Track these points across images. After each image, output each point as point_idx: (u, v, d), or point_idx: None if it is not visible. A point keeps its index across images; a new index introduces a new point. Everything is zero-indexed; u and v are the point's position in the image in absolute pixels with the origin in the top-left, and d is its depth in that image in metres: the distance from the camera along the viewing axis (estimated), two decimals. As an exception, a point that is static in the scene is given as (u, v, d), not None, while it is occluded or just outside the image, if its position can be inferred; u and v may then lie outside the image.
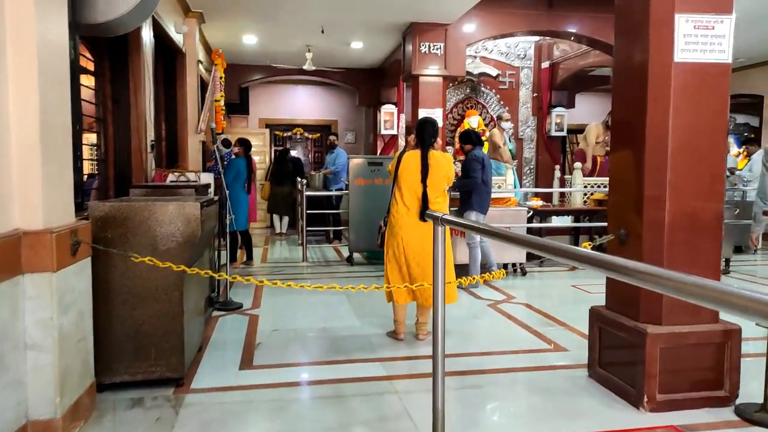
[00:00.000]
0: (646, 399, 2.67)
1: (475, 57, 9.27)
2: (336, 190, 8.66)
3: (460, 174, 5.59)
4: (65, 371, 2.43)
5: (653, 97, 2.67)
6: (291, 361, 3.54)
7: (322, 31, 7.40)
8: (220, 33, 7.78)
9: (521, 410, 2.86)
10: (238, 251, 7.18)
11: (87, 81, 4.26)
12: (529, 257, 6.65)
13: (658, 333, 2.66)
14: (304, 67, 8.70)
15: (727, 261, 6.56)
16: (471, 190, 5.26)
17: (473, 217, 5.24)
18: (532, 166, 10.11)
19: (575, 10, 7.47)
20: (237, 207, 6.38)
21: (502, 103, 9.79)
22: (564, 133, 10.11)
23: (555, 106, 9.94)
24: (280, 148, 11.20)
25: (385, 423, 2.66)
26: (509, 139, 8.45)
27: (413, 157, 3.83)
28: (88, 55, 4.22)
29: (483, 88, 9.72)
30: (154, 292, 2.97)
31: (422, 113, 7.17)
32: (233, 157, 7.38)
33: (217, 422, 2.65)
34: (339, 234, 8.79)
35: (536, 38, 9.59)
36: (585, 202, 7.48)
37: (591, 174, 7.74)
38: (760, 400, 2.66)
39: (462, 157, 8.89)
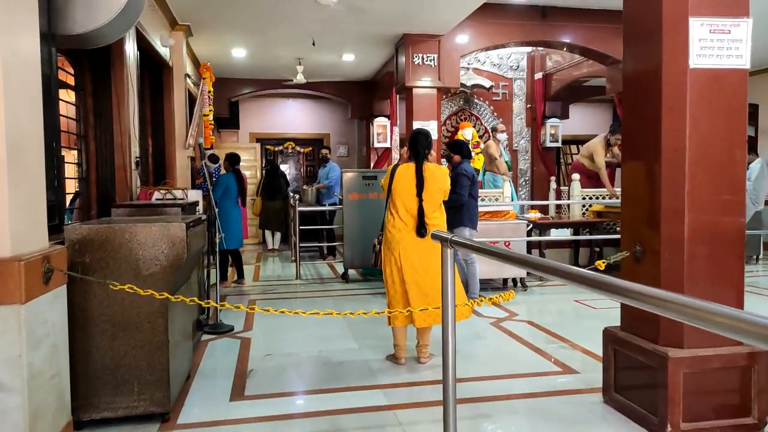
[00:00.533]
0: (669, 428, 2.48)
1: (468, 68, 9.16)
2: (329, 204, 8.47)
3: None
4: (37, 412, 2.20)
5: (668, 106, 2.51)
6: (285, 389, 3.32)
7: (313, 44, 7.26)
8: (209, 46, 7.62)
9: (534, 442, 2.66)
10: (229, 269, 6.96)
11: (67, 96, 4.07)
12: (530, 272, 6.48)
13: (680, 357, 2.48)
14: (295, 80, 8.54)
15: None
16: (461, 206, 5.06)
17: (466, 233, 5.05)
18: (527, 178, 9.98)
19: (569, 20, 7.39)
20: (228, 224, 6.20)
21: (495, 114, 9.68)
22: (559, 144, 10.00)
23: (549, 117, 9.83)
24: (271, 162, 11.01)
25: (389, 460, 2.46)
26: (505, 151, 8.32)
27: (407, 170, 3.66)
28: (69, 68, 4.03)
29: (476, 100, 9.61)
30: (136, 320, 2.75)
31: (416, 125, 7.02)
32: (221, 172, 7.19)
33: (205, 463, 2.43)
34: (333, 250, 8.58)
35: (529, 49, 9.51)
36: (584, 213, 7.34)
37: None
38: (790, 426, 2.48)
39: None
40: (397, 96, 8.14)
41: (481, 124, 9.63)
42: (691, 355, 2.50)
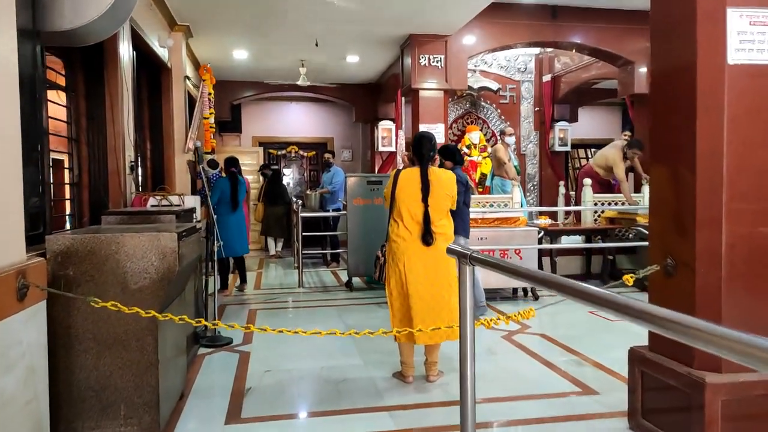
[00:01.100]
0: (706, 460, 2.25)
1: (475, 71, 8.95)
2: (333, 210, 8.26)
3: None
4: (9, 443, 1.99)
5: (704, 106, 2.29)
6: (285, 411, 3.10)
7: (317, 45, 7.06)
8: (210, 48, 7.43)
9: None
10: (230, 276, 6.75)
11: (58, 97, 3.88)
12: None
13: (718, 383, 2.25)
14: (298, 83, 8.35)
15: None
16: (454, 214, 4.78)
17: (461, 242, 4.81)
18: (535, 183, 9.75)
19: (580, 20, 7.18)
20: (223, 231, 6.01)
21: (503, 117, 9.46)
22: (568, 148, 9.77)
23: (558, 120, 9.62)
24: (274, 167, 10.81)
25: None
26: (513, 155, 8.10)
27: (411, 174, 3.44)
28: (59, 68, 3.83)
29: (483, 103, 9.39)
30: (123, 337, 2.54)
31: (423, 128, 6.80)
32: (220, 176, 7.01)
33: (195, 498, 2.21)
34: (337, 256, 8.36)
35: (536, 51, 9.30)
36: (596, 220, 7.11)
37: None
38: (841, 460, 2.25)
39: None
40: (403, 98, 7.93)
41: (488, 127, 9.42)
42: (730, 381, 2.27)
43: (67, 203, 3.91)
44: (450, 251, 1.63)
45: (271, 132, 11.44)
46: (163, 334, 2.66)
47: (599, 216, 7.12)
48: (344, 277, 6.93)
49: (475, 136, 8.53)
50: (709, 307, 2.33)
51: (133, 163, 4.33)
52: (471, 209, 6.54)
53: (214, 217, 4.45)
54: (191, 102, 6.86)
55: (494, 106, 9.43)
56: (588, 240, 6.89)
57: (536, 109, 9.60)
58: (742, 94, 2.27)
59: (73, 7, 2.95)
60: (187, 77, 6.49)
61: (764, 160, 2.29)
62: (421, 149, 3.46)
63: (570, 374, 3.56)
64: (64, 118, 3.85)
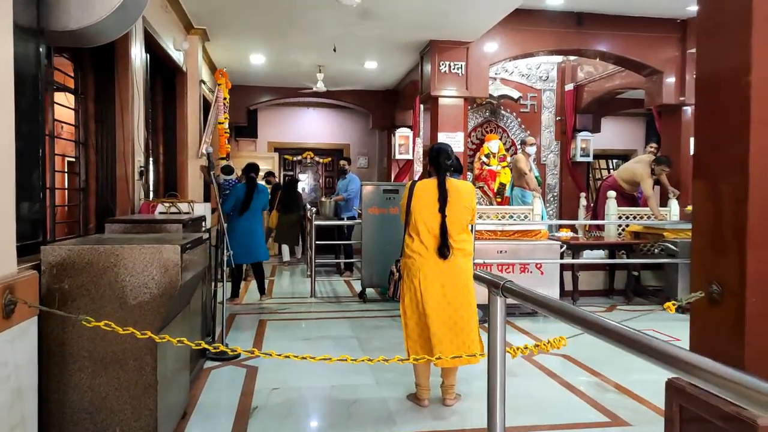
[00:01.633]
0: None
1: (495, 79, 8.75)
2: (348, 218, 8.08)
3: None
4: (-9, 472, 1.84)
5: (759, 118, 2.06)
6: (292, 435, 2.91)
7: (334, 50, 6.92)
8: (226, 52, 7.34)
9: None
10: (242, 284, 6.60)
11: (66, 100, 3.77)
12: (563, 294, 6.00)
13: (772, 426, 2.01)
14: (315, 88, 8.22)
15: None
16: None
17: None
18: (555, 194, 9.49)
19: (606, 28, 6.94)
20: (238, 237, 5.89)
21: (523, 127, 9.23)
22: (590, 159, 9.51)
23: (580, 131, 9.36)
24: (289, 173, 10.69)
25: None
26: (534, 165, 7.87)
27: (428, 185, 3.26)
28: (69, 70, 3.72)
29: (503, 112, 9.18)
30: (120, 356, 2.38)
31: (441, 137, 6.62)
32: (237, 183, 6.90)
33: None
34: (351, 265, 8.18)
35: (559, 59, 9.08)
36: (620, 234, 6.84)
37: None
38: None
39: (481, 184, 8.40)
40: (421, 106, 7.76)
41: (508, 136, 9.19)
42: (786, 424, 2.02)
43: (74, 209, 3.79)
44: (479, 278, 1.44)
45: (287, 137, 11.34)
46: (163, 351, 2.49)
47: (623, 230, 6.85)
48: (357, 288, 6.74)
49: (494, 145, 8.32)
50: (760, 341, 2.09)
51: (142, 169, 4.20)
52: (489, 221, 6.34)
53: (224, 224, 4.29)
54: (206, 106, 6.75)
55: (514, 114, 9.21)
56: (611, 255, 6.62)
57: (558, 118, 9.36)
58: (802, 105, 2.05)
59: (79, 5, 2.82)
60: (202, 81, 6.39)
61: (827, 178, 2.06)
62: (438, 159, 3.28)
63: (598, 402, 3.32)
64: (72, 121, 3.74)
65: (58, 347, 2.33)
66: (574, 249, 6.15)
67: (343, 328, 5.15)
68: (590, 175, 11.03)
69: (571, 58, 8.93)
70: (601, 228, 7.07)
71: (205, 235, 3.13)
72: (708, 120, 2.34)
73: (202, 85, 6.42)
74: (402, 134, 9.80)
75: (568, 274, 6.24)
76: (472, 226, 3.37)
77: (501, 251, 5.52)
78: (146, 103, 4.63)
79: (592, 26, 6.90)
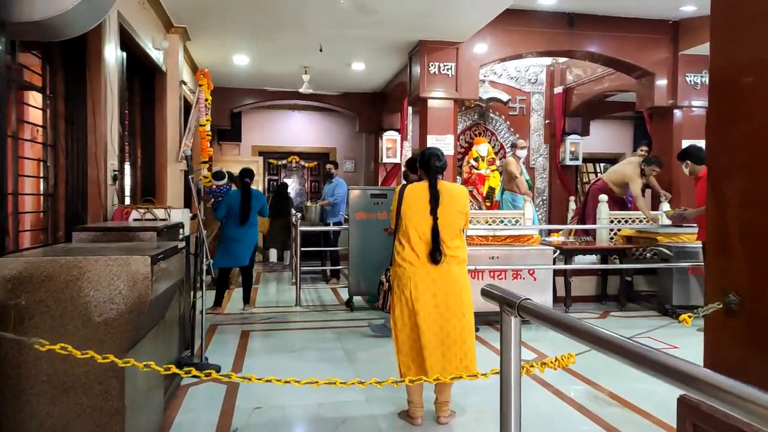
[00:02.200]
0: None
1: (484, 81, 8.61)
2: (334, 223, 7.87)
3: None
4: None
5: (780, 115, 1.91)
6: (275, 460, 2.70)
7: (321, 50, 6.72)
8: (208, 52, 7.10)
9: None
10: (227, 292, 6.35)
11: (33, 99, 3.52)
12: (555, 300, 5.85)
13: (799, 450, 1.85)
14: (301, 91, 8.01)
15: None
16: None
17: None
18: (544, 197, 9.37)
19: (597, 29, 6.84)
20: (229, 243, 5.70)
21: (512, 130, 9.10)
22: (579, 162, 9.41)
23: (569, 134, 9.25)
24: (274, 178, 10.46)
25: None
26: (525, 169, 7.74)
27: (419, 189, 3.08)
28: (37, 68, 3.48)
29: (492, 114, 9.04)
30: (83, 380, 2.16)
31: (431, 140, 6.46)
32: (230, 188, 6.76)
33: None
34: (337, 272, 7.96)
35: (548, 62, 8.97)
36: (612, 238, 6.71)
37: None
38: None
39: (470, 188, 8.26)
40: (409, 108, 7.59)
41: (497, 139, 9.06)
42: (813, 448, 1.86)
43: (41, 217, 3.54)
44: (488, 295, 1.25)
45: (271, 141, 11.10)
46: (132, 371, 2.27)
47: (615, 234, 6.73)
48: (344, 295, 6.54)
49: (483, 148, 8.17)
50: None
51: (116, 173, 3.96)
52: (480, 226, 6.18)
53: (205, 232, 4.06)
54: (187, 108, 6.51)
55: (503, 117, 9.08)
56: (604, 260, 6.49)
57: (547, 121, 9.25)
58: (827, 102, 1.90)
59: (42, -5, 2.60)
60: (183, 82, 6.15)
61: None
62: (429, 162, 3.11)
63: (603, 419, 3.14)
64: (40, 122, 3.49)
65: (13, 371, 2.10)
66: (566, 254, 6.00)
67: (329, 338, 4.94)
68: (578, 179, 10.96)
69: (561, 60, 8.84)
70: (589, 232, 6.94)
71: (182, 244, 2.91)
72: (723, 119, 2.18)
73: (183, 85, 6.19)
74: (389, 137, 9.63)
75: (559, 280, 6.09)
76: (464, 231, 3.19)
77: (493, 257, 5.35)
78: (121, 103, 4.40)
79: (583, 27, 6.79)
